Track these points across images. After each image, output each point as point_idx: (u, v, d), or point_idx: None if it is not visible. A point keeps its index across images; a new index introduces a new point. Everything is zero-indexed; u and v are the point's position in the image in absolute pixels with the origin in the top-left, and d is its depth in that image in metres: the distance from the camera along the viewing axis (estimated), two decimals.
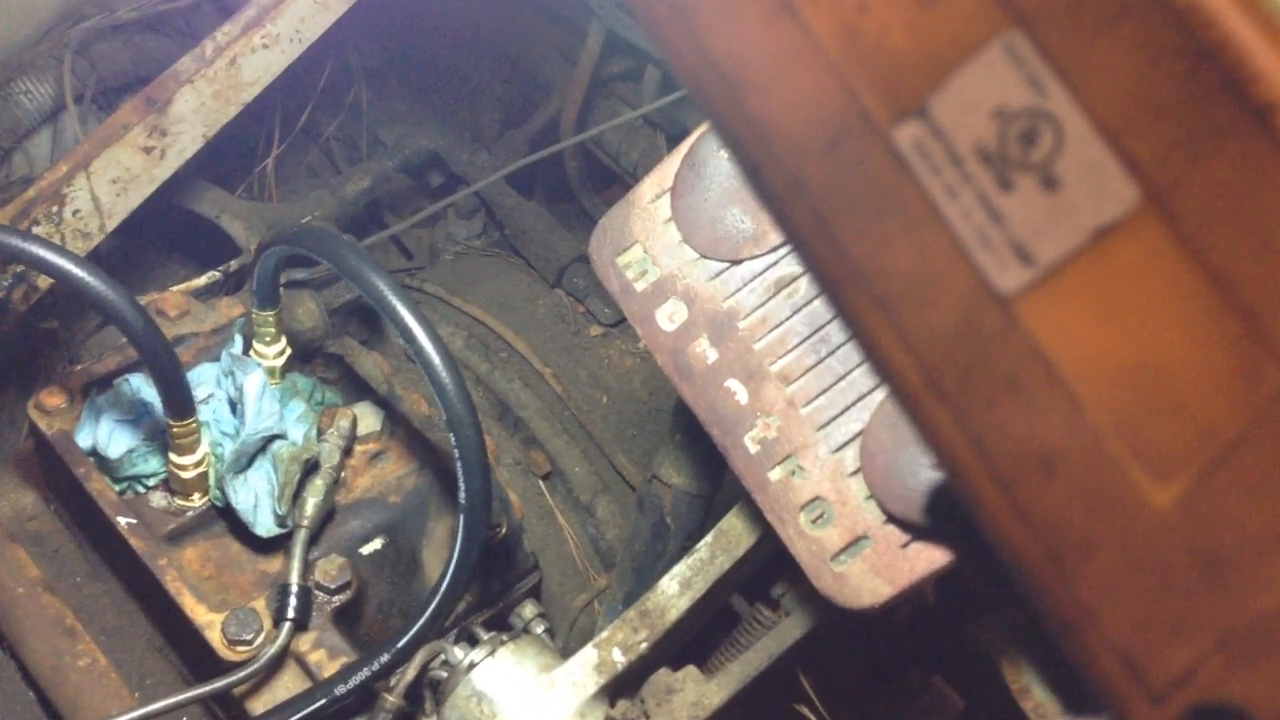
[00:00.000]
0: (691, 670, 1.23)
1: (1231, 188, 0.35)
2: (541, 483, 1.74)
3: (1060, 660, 1.22)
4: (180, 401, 1.26)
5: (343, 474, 1.39)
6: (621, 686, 1.23)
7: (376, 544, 1.39)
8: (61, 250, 1.17)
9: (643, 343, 1.85)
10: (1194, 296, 0.36)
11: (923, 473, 1.05)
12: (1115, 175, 0.36)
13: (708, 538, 1.25)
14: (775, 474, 1.11)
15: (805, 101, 0.39)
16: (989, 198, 0.38)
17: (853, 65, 0.39)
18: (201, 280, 1.58)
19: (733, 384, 1.14)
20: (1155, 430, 0.37)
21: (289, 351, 1.42)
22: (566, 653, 1.28)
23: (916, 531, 1.07)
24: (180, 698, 1.18)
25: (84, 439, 1.35)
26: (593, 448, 1.75)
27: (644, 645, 1.22)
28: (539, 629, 1.41)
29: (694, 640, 1.34)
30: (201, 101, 1.53)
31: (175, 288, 1.53)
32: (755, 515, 1.22)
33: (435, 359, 1.16)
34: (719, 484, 1.46)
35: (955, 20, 0.37)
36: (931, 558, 1.07)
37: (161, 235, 1.84)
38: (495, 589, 1.47)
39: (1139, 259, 0.36)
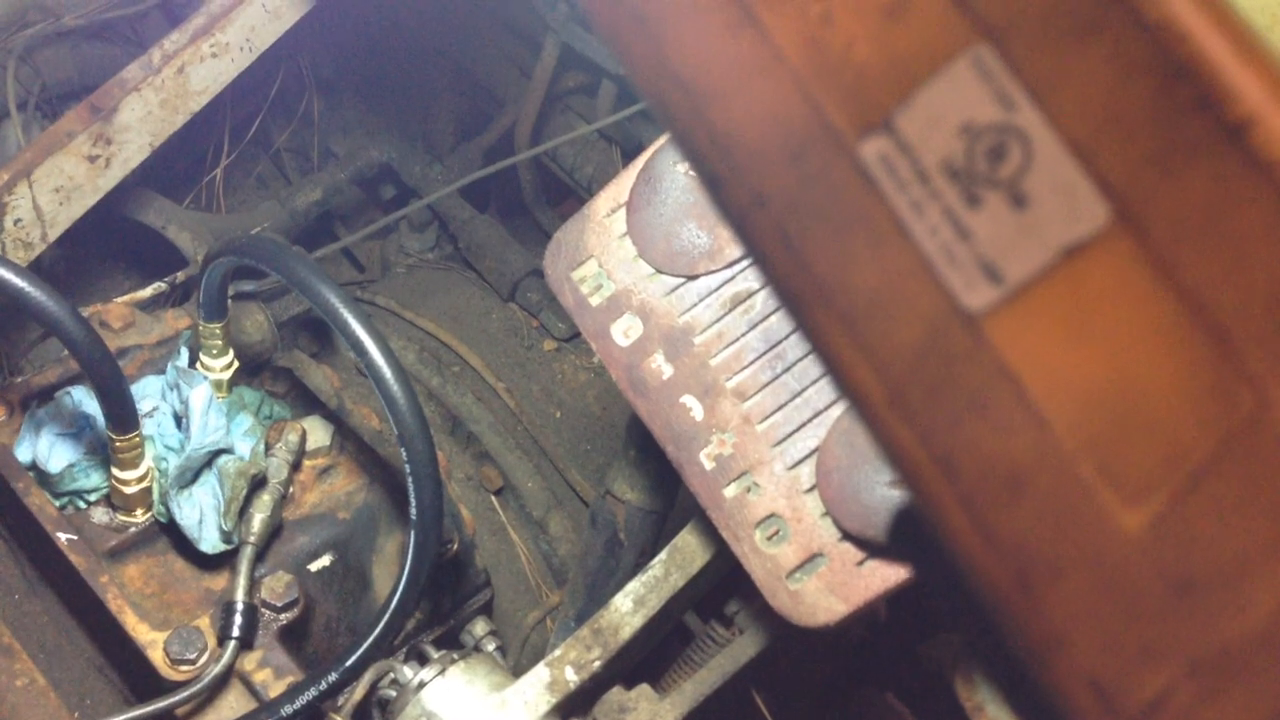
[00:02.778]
0: (645, 689, 1.22)
1: (1204, 206, 0.34)
2: (494, 498, 1.72)
3: (1013, 678, 1.22)
4: (123, 415, 1.23)
5: (291, 489, 1.37)
6: (574, 705, 1.21)
7: (325, 560, 1.36)
8: (0, 259, 1.15)
9: (597, 358, 1.85)
10: (1165, 316, 0.35)
11: (878, 490, 1.05)
12: (1085, 193, 0.36)
13: (662, 554, 1.24)
14: (730, 490, 1.11)
15: (768, 114, 0.39)
16: (956, 214, 0.38)
17: (817, 78, 0.38)
18: (147, 292, 1.55)
19: (688, 400, 1.13)
20: (1125, 452, 0.37)
21: (236, 364, 1.39)
22: (518, 671, 1.26)
23: (872, 549, 1.06)
24: (121, 719, 1.15)
25: (23, 453, 1.32)
26: (546, 463, 1.74)
27: (597, 664, 1.21)
28: (490, 647, 1.39)
29: (647, 658, 1.33)
30: (148, 110, 1.51)
31: (120, 299, 1.50)
32: (710, 532, 1.21)
33: (386, 372, 1.14)
34: (673, 500, 1.45)
35: (922, 33, 0.37)
36: (887, 575, 1.07)
37: (106, 246, 1.80)
38: (446, 606, 1.45)
39: (1109, 278, 0.36)
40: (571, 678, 1.20)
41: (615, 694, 1.21)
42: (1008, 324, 0.38)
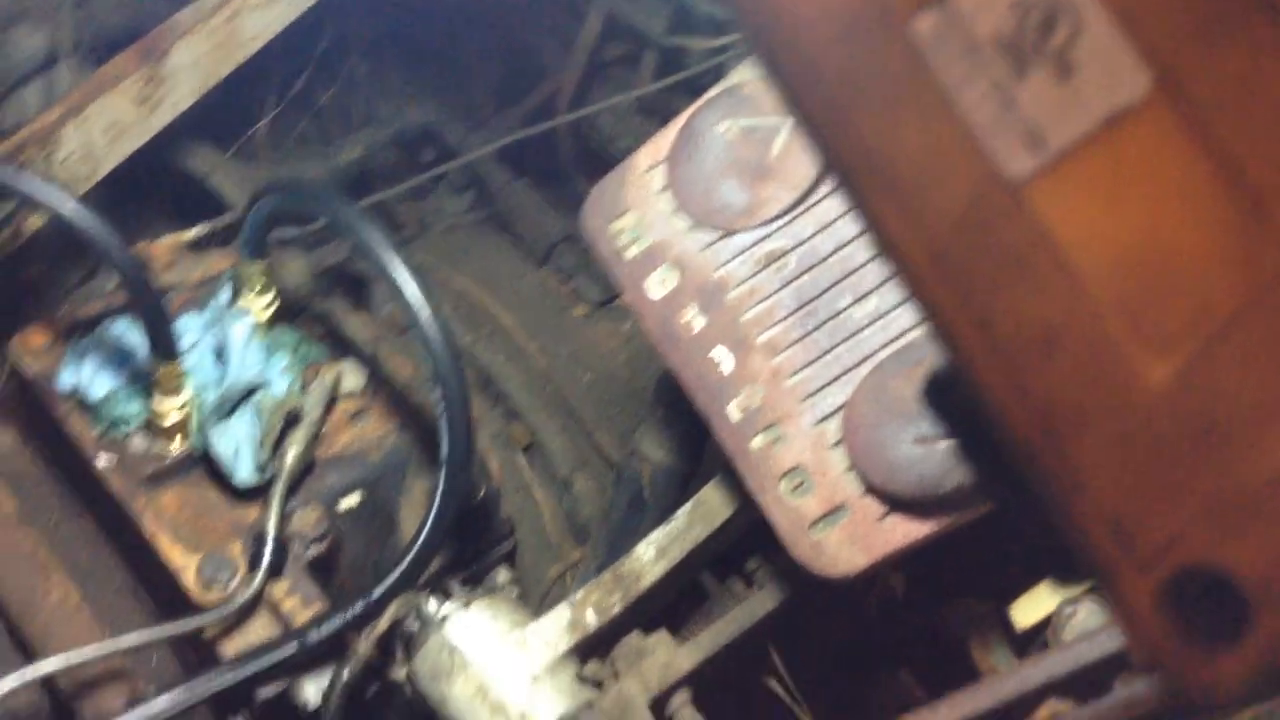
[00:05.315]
0: (663, 635, 1.24)
1: (1243, 75, 0.36)
2: (520, 455, 1.74)
3: (1025, 643, 1.23)
4: (165, 342, 1.26)
5: (324, 428, 1.40)
6: (592, 648, 1.24)
7: (354, 499, 1.39)
8: (54, 186, 1.18)
9: (628, 324, 1.87)
10: (1200, 180, 0.37)
11: (904, 445, 1.07)
12: (1129, 62, 0.38)
13: (686, 506, 1.27)
14: (757, 441, 1.13)
15: None
16: (1004, 85, 0.40)
17: None
18: (191, 233, 1.58)
19: (719, 353, 1.15)
20: (1155, 309, 0.39)
21: (277, 304, 1.42)
22: None
23: (895, 504, 1.09)
24: (151, 633, 1.19)
25: (66, 380, 1.35)
26: (573, 424, 1.76)
27: (617, 608, 1.23)
28: (513, 595, 1.41)
29: (665, 615, 1.35)
30: (199, 55, 1.53)
31: (164, 238, 1.53)
32: (734, 487, 1.23)
33: (424, 312, 1.17)
34: (699, 461, 1.47)
35: None
36: (908, 530, 1.09)
37: (149, 193, 1.83)
38: (470, 553, 1.48)
39: (1148, 144, 0.38)
40: (591, 620, 1.22)
41: (633, 638, 1.23)
42: (1048, 190, 0.40)
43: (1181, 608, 0.40)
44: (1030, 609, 1.07)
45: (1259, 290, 0.37)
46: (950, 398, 0.41)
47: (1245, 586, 0.40)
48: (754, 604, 1.28)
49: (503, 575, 1.45)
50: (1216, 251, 0.38)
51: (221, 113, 1.86)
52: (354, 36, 2.01)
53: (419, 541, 1.23)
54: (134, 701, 1.16)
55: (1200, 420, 0.39)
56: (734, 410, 1.13)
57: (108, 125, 1.49)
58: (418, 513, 1.46)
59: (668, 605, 1.33)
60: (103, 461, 1.29)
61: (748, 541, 1.31)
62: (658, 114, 1.90)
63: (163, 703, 1.16)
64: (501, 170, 1.94)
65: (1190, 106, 0.37)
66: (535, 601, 1.66)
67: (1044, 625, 1.10)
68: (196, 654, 1.28)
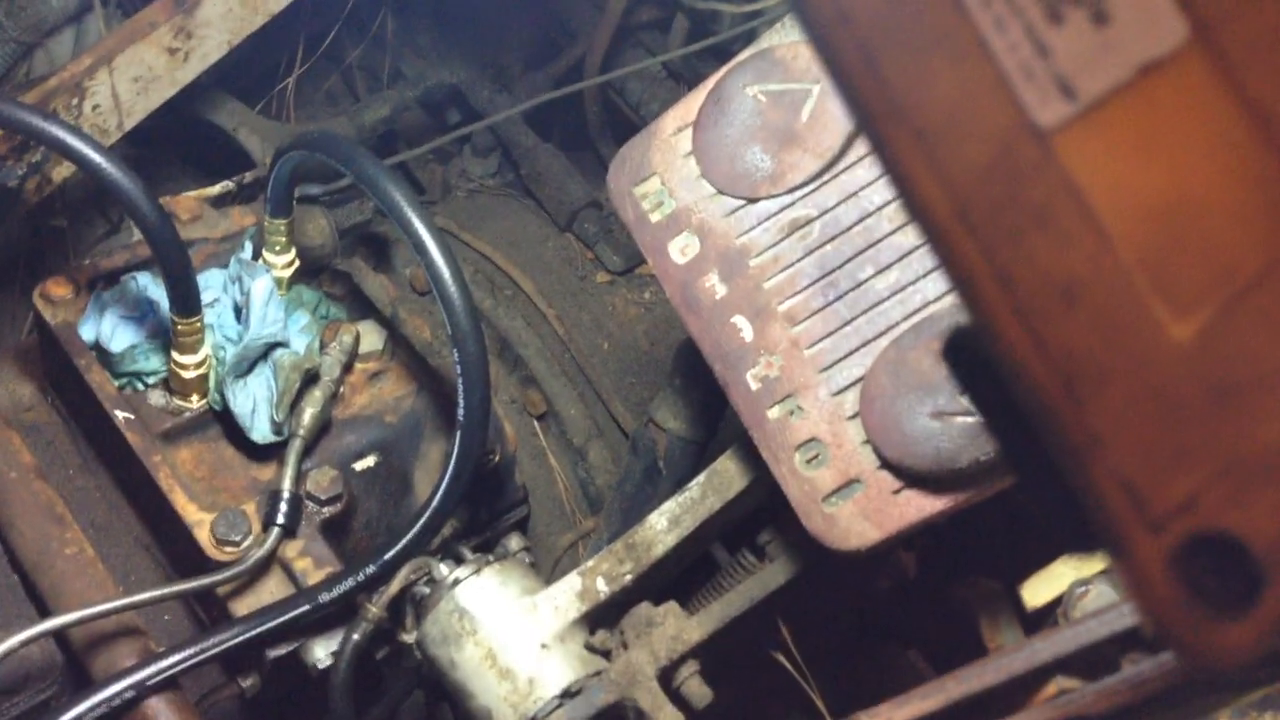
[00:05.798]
0: (673, 606, 1.24)
1: (1278, 28, 0.35)
2: (536, 423, 1.74)
3: (1035, 622, 1.22)
4: (186, 298, 1.26)
5: (341, 389, 1.40)
6: (602, 616, 1.23)
7: (369, 461, 1.39)
8: (83, 135, 1.17)
9: (648, 294, 1.86)
10: (1232, 134, 0.36)
11: (920, 420, 1.06)
12: (1166, 11, 0.37)
13: (700, 476, 1.26)
14: (774, 412, 1.12)
15: None
16: (1037, 31, 0.39)
17: None
18: (215, 189, 1.58)
19: (739, 320, 1.14)
20: (1180, 265, 0.38)
21: (297, 263, 1.42)
22: None
23: (909, 479, 1.07)
24: (165, 591, 1.19)
25: (87, 332, 1.35)
26: (590, 392, 1.75)
27: (628, 577, 1.23)
28: (524, 561, 1.41)
29: (674, 589, 1.34)
30: (229, 8, 1.53)
31: (189, 193, 1.53)
32: (748, 459, 1.23)
33: (445, 271, 1.16)
34: (714, 432, 1.46)
35: None
36: (921, 505, 1.08)
37: (176, 146, 1.83)
38: (483, 518, 1.48)
39: (1181, 96, 0.37)
40: (602, 588, 1.22)
41: (643, 608, 1.23)
42: (1078, 140, 0.39)
43: (1192, 572, 0.40)
44: (1041, 589, 1.06)
45: None
46: (969, 356, 0.40)
47: (1257, 552, 0.39)
48: (765, 577, 1.27)
49: (515, 542, 1.44)
50: (1244, 209, 0.37)
51: (249, 68, 1.86)
52: None
53: (433, 505, 1.23)
54: (146, 657, 1.16)
55: (1218, 381, 0.38)
56: (751, 380, 1.12)
57: (137, 75, 1.48)
58: (432, 477, 1.46)
59: (678, 578, 1.32)
60: (121, 415, 1.29)
61: (760, 515, 1.30)
62: (686, 80, 1.88)
63: (174, 659, 1.16)
64: (527, 134, 1.93)
65: (1225, 59, 0.36)
66: (547, 570, 1.65)
67: (1054, 605, 1.08)
68: (208, 612, 1.28)
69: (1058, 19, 0.38)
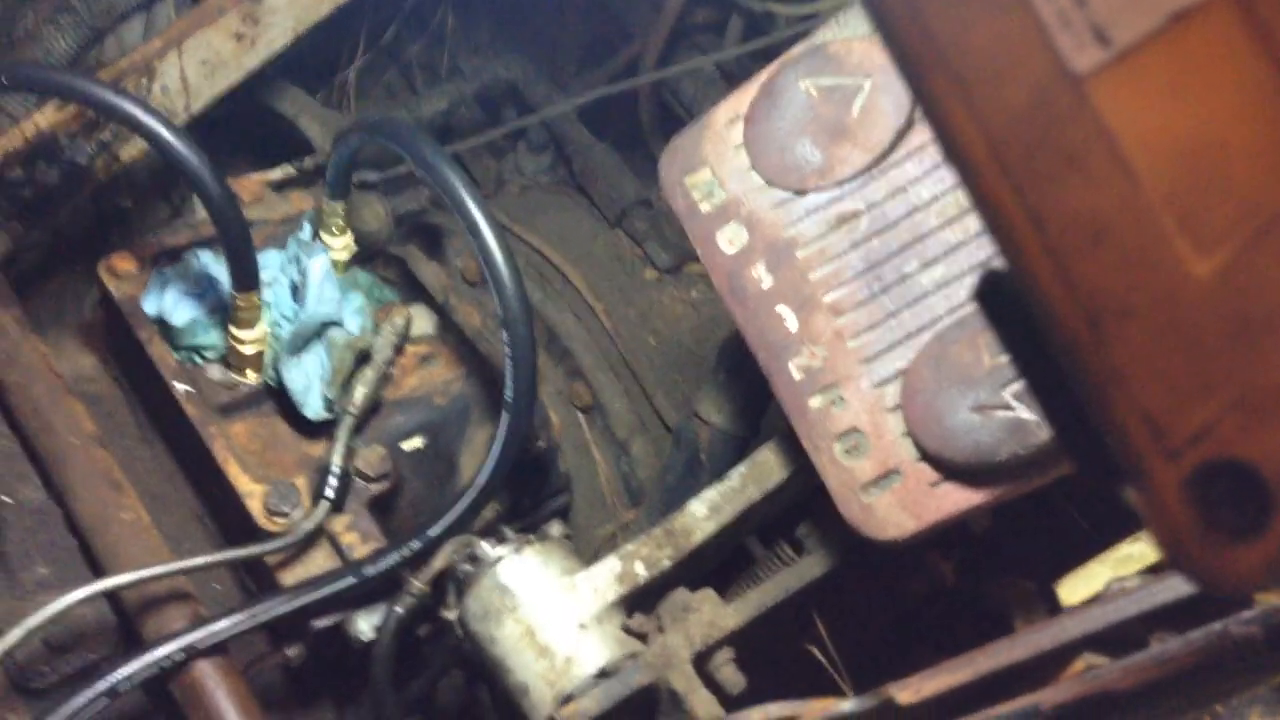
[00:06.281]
0: (709, 593, 1.25)
1: None
2: (581, 415, 1.76)
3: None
4: (246, 274, 1.30)
5: (392, 370, 1.43)
6: (640, 600, 1.25)
7: (417, 442, 1.42)
8: (154, 110, 1.21)
9: (696, 291, 1.88)
10: (1259, 81, 0.38)
11: (962, 413, 1.07)
12: None
13: (740, 467, 1.27)
14: (816, 401, 1.13)
15: None
16: None
17: None
18: (276, 173, 1.62)
19: (784, 310, 1.16)
20: (1203, 205, 0.40)
21: (354, 246, 1.45)
22: None
23: (948, 471, 1.09)
24: (216, 556, 1.22)
25: (150, 305, 1.39)
26: (635, 387, 1.77)
27: (667, 562, 1.25)
28: (565, 544, 1.43)
29: (710, 584, 1.35)
30: None
31: (250, 176, 1.57)
32: (789, 450, 1.24)
33: (498, 256, 1.19)
34: (756, 427, 1.48)
35: None
36: (959, 499, 1.09)
37: (238, 131, 1.88)
38: (526, 504, 1.50)
39: (1211, 43, 0.38)
40: (641, 572, 1.24)
41: (680, 594, 1.24)
42: (1110, 85, 0.41)
43: (1207, 498, 0.41)
44: (1078, 587, 1.07)
45: None
46: (1001, 298, 0.42)
47: (1270, 479, 0.41)
48: (802, 568, 1.28)
49: (555, 529, 1.46)
50: (1268, 151, 0.39)
51: (312, 58, 1.89)
52: None
53: (478, 482, 1.26)
54: (195, 621, 1.19)
55: (1237, 316, 0.40)
56: (795, 369, 1.14)
57: (204, 59, 1.52)
58: (478, 460, 1.48)
59: (713, 573, 1.34)
60: (180, 388, 1.33)
61: (797, 511, 1.31)
62: (740, 80, 1.89)
63: (223, 625, 1.19)
64: (581, 130, 1.96)
65: (1252, 8, 0.38)
66: (586, 560, 1.67)
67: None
68: (257, 581, 1.32)
69: None
